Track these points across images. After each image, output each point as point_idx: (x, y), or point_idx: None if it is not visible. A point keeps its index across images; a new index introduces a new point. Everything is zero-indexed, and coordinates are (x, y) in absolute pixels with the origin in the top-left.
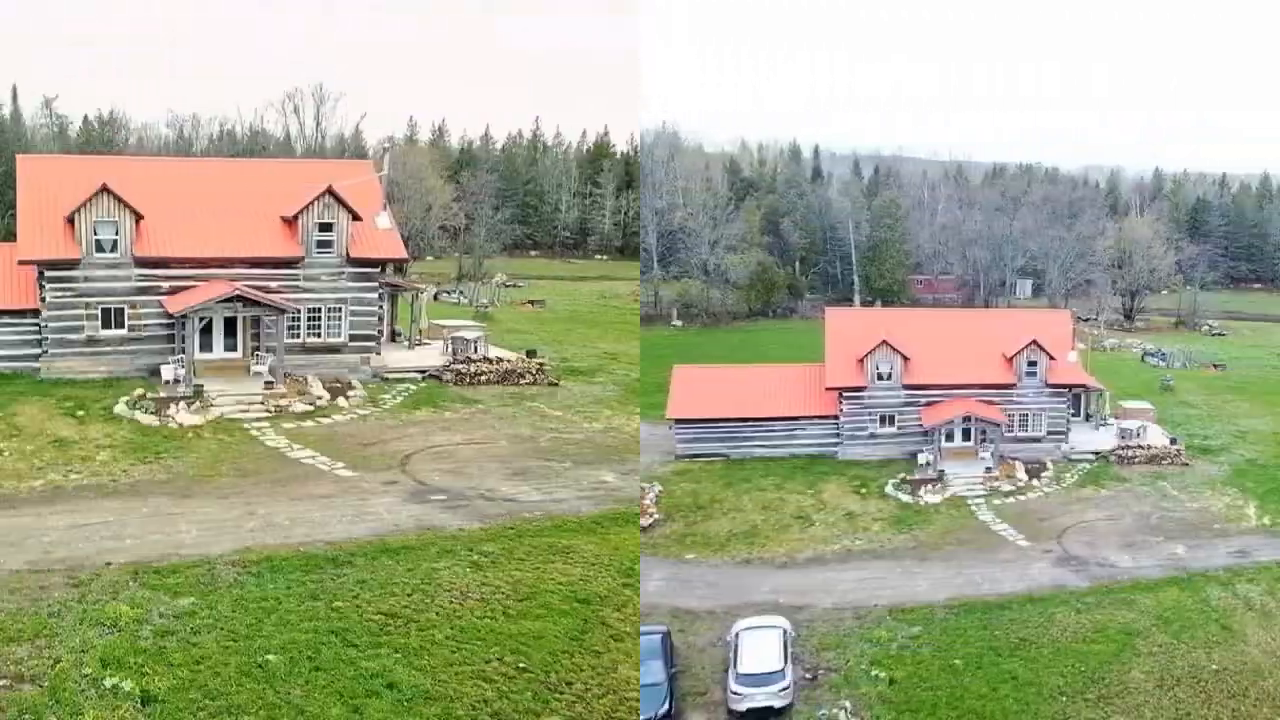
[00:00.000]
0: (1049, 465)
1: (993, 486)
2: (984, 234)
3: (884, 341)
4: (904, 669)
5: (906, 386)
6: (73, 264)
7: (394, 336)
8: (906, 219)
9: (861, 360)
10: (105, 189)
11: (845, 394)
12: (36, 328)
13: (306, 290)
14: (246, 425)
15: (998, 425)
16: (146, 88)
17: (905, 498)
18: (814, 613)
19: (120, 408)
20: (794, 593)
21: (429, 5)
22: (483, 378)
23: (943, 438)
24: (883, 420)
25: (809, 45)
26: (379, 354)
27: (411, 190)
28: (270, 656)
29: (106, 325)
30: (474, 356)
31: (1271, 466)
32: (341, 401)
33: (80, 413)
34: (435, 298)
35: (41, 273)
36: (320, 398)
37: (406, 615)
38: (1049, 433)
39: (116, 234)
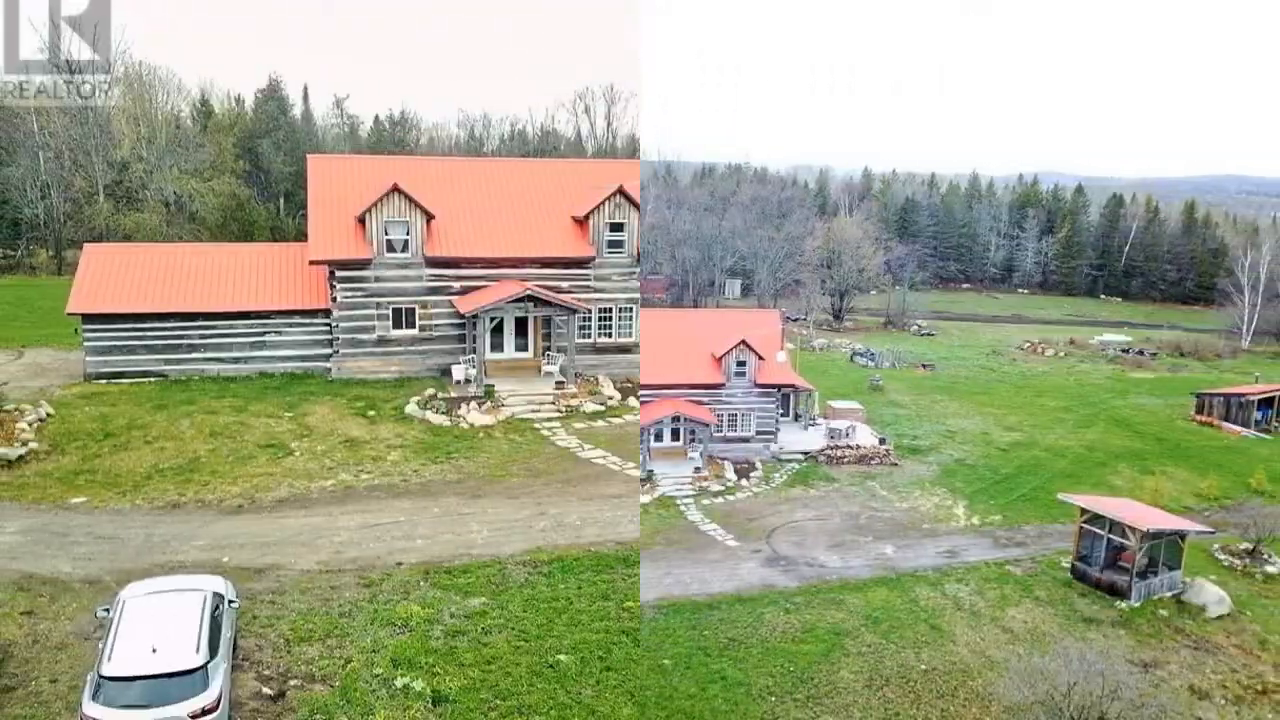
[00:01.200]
0: (758, 465)
1: (701, 486)
2: (693, 234)
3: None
4: None
5: None
6: (364, 264)
7: None
8: None
9: None
10: (396, 189)
11: None
12: (327, 328)
13: (597, 290)
14: (537, 425)
15: (707, 425)
16: (438, 88)
17: None
18: None
19: (411, 408)
20: None
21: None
22: None
23: (652, 437)
24: None
25: None
26: None
27: None
28: (561, 656)
29: (397, 325)
30: None
31: (980, 466)
32: (632, 401)
33: (371, 413)
34: None
35: (332, 273)
36: (611, 398)
37: None
38: (758, 432)
39: (408, 234)
